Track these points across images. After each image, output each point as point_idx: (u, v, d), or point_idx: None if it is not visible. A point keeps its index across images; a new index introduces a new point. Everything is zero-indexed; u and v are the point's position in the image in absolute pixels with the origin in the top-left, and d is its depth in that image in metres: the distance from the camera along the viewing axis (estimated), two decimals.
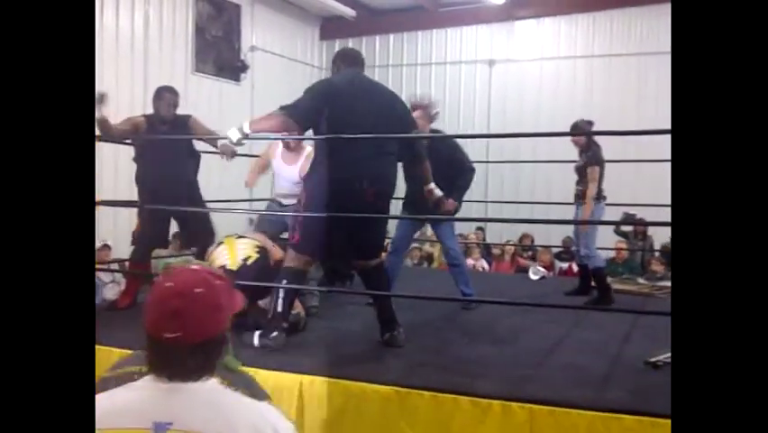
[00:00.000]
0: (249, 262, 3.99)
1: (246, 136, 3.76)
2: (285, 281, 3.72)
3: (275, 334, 3.68)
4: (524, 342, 3.98)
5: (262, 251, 4.09)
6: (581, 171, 5.29)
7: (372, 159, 3.67)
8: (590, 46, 9.97)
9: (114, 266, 6.61)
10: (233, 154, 4.19)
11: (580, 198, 5.33)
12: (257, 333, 3.70)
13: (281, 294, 3.72)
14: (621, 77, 9.65)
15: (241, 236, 4.26)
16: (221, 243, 4.21)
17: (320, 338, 3.94)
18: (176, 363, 1.38)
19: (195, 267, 1.48)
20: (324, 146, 3.73)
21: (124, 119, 4.77)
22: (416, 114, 4.92)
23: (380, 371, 3.33)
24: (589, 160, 5.20)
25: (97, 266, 6.49)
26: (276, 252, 4.16)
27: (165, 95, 4.78)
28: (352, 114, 3.64)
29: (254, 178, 5.37)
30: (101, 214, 7.32)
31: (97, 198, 5.33)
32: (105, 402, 1.39)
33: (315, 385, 3.21)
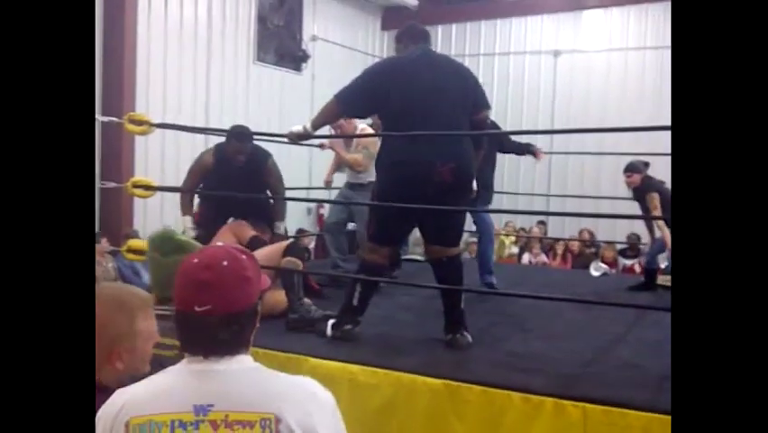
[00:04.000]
0: None
1: (309, 134, 3.76)
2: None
3: (349, 327, 3.64)
4: (581, 339, 3.86)
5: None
6: (641, 202, 5.22)
7: (443, 136, 3.49)
8: (660, 37, 9.64)
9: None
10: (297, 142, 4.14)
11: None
12: (330, 322, 3.68)
13: (359, 288, 3.64)
14: None
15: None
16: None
17: (372, 328, 3.91)
18: (208, 337, 1.38)
19: (219, 244, 1.49)
20: (391, 128, 3.62)
21: (193, 168, 4.78)
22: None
23: (432, 363, 3.28)
24: (646, 189, 5.13)
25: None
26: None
27: (232, 142, 4.58)
28: (417, 91, 3.48)
29: (330, 174, 5.61)
30: (164, 200, 7.49)
31: (160, 183, 5.45)
32: (141, 388, 1.39)
33: (366, 375, 3.19)
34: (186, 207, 4.74)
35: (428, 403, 3.04)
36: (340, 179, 5.62)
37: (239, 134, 4.60)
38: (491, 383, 2.97)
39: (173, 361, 1.79)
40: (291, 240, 4.20)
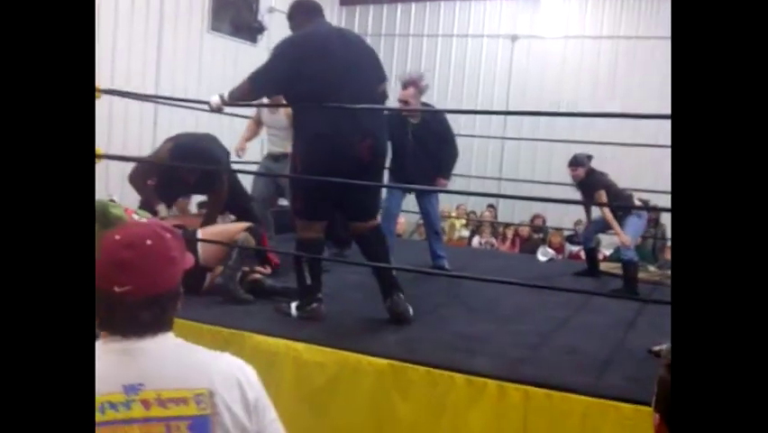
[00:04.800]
0: None
1: (225, 103, 3.67)
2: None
3: (314, 305, 3.63)
4: (525, 322, 3.90)
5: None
6: (586, 193, 5.27)
7: (361, 113, 3.50)
8: (617, 26, 9.75)
9: None
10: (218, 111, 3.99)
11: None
12: (293, 304, 3.66)
13: (306, 267, 3.62)
14: (646, 59, 9.44)
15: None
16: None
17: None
18: (128, 318, 1.32)
19: (144, 221, 1.43)
20: (301, 107, 3.57)
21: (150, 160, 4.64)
22: (409, 91, 4.87)
23: (377, 343, 3.28)
24: (593, 186, 5.18)
25: None
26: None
27: (179, 164, 4.41)
28: (333, 66, 3.45)
29: (243, 144, 5.36)
30: (110, 169, 7.30)
31: (106, 152, 5.29)
32: None
33: (311, 353, 3.17)
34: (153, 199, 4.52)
35: (373, 383, 3.04)
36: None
37: (188, 155, 4.40)
38: (436, 364, 2.98)
39: None
40: (252, 225, 4.16)
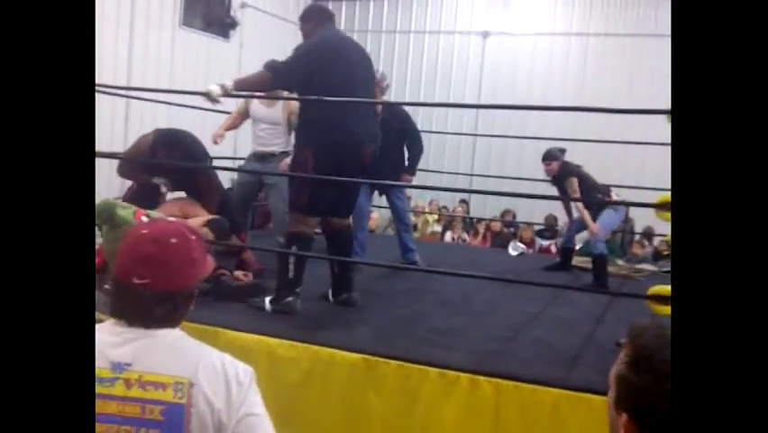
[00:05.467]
0: None
1: (227, 93, 3.60)
2: (294, 248, 3.69)
3: (290, 299, 3.64)
4: (497, 316, 3.96)
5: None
6: (560, 186, 5.34)
7: (368, 119, 3.71)
8: (586, 24, 9.86)
9: None
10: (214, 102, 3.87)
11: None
12: (267, 298, 3.66)
13: (291, 260, 3.66)
14: (615, 57, 9.56)
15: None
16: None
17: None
18: (141, 310, 1.36)
19: (172, 219, 1.46)
20: (318, 106, 3.60)
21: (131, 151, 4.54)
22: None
23: (350, 338, 3.30)
24: (565, 174, 5.25)
25: None
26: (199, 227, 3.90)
27: (161, 151, 4.31)
28: (347, 72, 3.60)
29: (221, 131, 5.05)
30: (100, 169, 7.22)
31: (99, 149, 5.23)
32: None
33: (284, 349, 3.19)
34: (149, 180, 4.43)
35: (346, 377, 3.06)
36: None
37: (169, 144, 4.33)
38: (409, 359, 3.02)
39: None
40: (215, 217, 4.06)
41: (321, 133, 3.60)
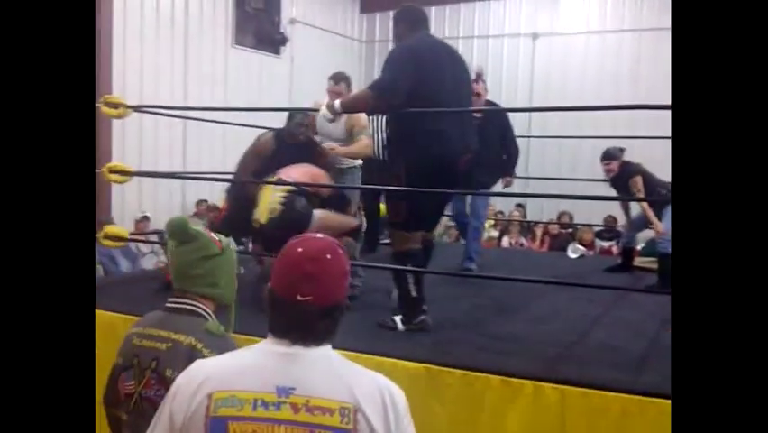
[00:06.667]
0: (273, 215, 3.80)
1: (337, 114, 3.67)
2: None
3: (422, 318, 3.57)
4: (559, 321, 3.90)
5: (289, 200, 3.82)
6: (621, 186, 5.21)
7: (463, 126, 3.58)
8: (638, 19, 9.68)
9: (153, 237, 6.69)
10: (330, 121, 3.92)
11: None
12: (398, 317, 3.60)
13: (411, 279, 3.55)
14: (669, 51, 9.35)
15: (280, 181, 3.98)
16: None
17: (348, 313, 3.90)
18: (305, 326, 1.42)
19: (319, 235, 1.52)
20: (411, 117, 3.50)
21: (252, 151, 4.40)
22: (480, 85, 4.91)
23: (411, 347, 3.28)
24: (628, 174, 5.13)
25: (137, 237, 6.60)
26: (323, 190, 4.02)
27: (298, 117, 4.33)
28: (438, 82, 3.47)
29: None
30: (142, 185, 7.45)
31: (137, 169, 5.38)
32: (227, 363, 1.44)
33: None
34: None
35: (408, 388, 3.00)
36: None
37: (303, 112, 4.35)
38: (471, 367, 2.99)
39: (167, 354, 1.78)
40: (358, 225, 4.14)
41: (413, 146, 3.52)
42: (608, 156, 5.26)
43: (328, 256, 1.44)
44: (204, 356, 1.65)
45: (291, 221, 3.76)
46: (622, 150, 5.33)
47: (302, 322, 1.41)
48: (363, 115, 4.58)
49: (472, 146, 3.65)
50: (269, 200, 3.85)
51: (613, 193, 5.32)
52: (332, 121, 3.76)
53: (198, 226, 2.00)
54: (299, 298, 1.40)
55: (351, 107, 3.70)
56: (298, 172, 4.03)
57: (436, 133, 3.46)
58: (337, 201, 4.20)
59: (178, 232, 1.97)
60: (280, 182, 3.92)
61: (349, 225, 4.15)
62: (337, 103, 3.64)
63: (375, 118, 5.04)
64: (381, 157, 4.94)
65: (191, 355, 1.74)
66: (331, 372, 1.41)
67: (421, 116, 3.46)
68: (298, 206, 3.86)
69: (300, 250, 1.46)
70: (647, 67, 9.48)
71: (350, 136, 4.67)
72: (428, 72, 3.45)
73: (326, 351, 1.44)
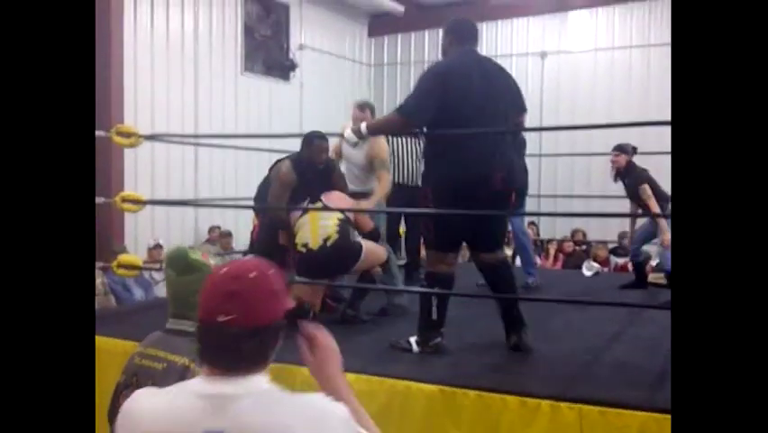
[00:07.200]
0: (329, 242, 3.91)
1: (362, 137, 3.69)
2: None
3: (438, 340, 3.55)
4: (575, 339, 3.86)
5: (343, 228, 3.96)
6: (633, 195, 5.19)
7: (501, 145, 3.50)
8: (646, 35, 9.69)
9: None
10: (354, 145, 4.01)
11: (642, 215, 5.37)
12: (413, 339, 3.58)
13: (434, 301, 3.53)
14: None
15: (325, 207, 4.07)
16: (304, 214, 4.07)
17: (363, 335, 3.89)
18: (230, 349, 1.35)
19: (248, 258, 1.49)
20: (437, 137, 3.52)
21: (277, 183, 4.33)
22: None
23: (426, 369, 3.26)
24: (636, 180, 5.13)
25: (150, 265, 6.62)
26: (365, 222, 4.16)
27: (316, 142, 4.27)
28: (469, 100, 3.41)
29: None
30: (155, 213, 7.49)
31: (150, 197, 5.41)
32: (161, 402, 1.38)
33: (359, 383, 3.17)
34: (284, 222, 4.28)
35: (424, 409, 3.02)
36: None
37: (321, 134, 4.34)
38: (487, 387, 2.96)
39: (162, 374, 1.78)
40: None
41: (441, 167, 3.50)
42: (618, 148, 5.29)
43: (252, 274, 1.38)
44: (196, 375, 1.60)
45: (346, 249, 3.92)
46: (635, 148, 5.33)
47: (227, 345, 1.34)
48: (385, 147, 4.67)
49: (505, 165, 3.50)
50: (319, 225, 3.95)
51: (626, 206, 5.32)
52: (355, 145, 3.79)
53: (198, 255, 2.02)
54: (220, 319, 1.33)
55: (377, 130, 3.75)
56: (342, 202, 4.15)
57: (460, 151, 3.42)
58: (371, 233, 4.27)
59: (178, 264, 2.00)
60: (327, 208, 4.06)
61: (384, 256, 4.25)
62: (363, 126, 3.65)
63: (406, 144, 5.09)
64: (411, 183, 5.00)
65: (183, 375, 1.75)
66: (261, 410, 1.33)
67: (443, 140, 3.46)
68: (353, 235, 4.02)
69: (224, 270, 1.41)
70: (656, 82, 9.47)
71: (370, 166, 4.71)
72: (454, 92, 3.41)
73: (259, 384, 1.37)
